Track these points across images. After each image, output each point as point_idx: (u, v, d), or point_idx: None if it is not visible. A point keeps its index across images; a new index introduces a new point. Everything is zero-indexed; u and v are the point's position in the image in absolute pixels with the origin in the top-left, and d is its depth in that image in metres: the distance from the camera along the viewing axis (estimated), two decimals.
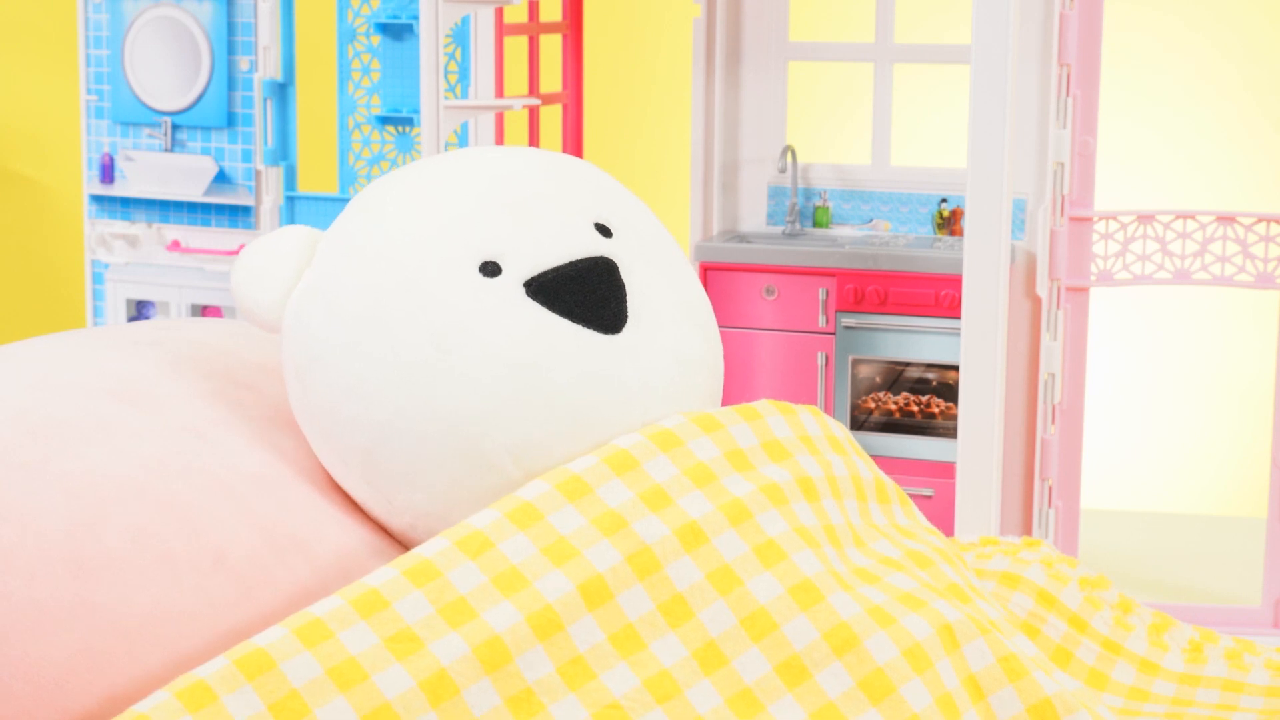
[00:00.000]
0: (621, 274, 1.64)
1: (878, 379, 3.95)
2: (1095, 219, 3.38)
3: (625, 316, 1.62)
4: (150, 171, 3.83)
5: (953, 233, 4.13)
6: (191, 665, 1.44)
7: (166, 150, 3.81)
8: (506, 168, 1.69)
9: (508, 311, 1.58)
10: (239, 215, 3.79)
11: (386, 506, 1.61)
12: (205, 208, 3.81)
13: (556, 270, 1.61)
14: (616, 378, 1.59)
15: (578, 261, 1.62)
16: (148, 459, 1.53)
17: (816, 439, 1.70)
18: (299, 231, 1.68)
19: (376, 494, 1.61)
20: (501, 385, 1.55)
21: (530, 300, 1.59)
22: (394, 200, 1.66)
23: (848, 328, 3.91)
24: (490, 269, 1.60)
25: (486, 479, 1.56)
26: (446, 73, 3.65)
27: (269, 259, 1.66)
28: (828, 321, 3.92)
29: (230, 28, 3.72)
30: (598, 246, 1.64)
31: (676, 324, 1.66)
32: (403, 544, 1.64)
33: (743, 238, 4.20)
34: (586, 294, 1.61)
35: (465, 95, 3.66)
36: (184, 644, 1.44)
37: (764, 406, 1.68)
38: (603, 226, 1.67)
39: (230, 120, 3.75)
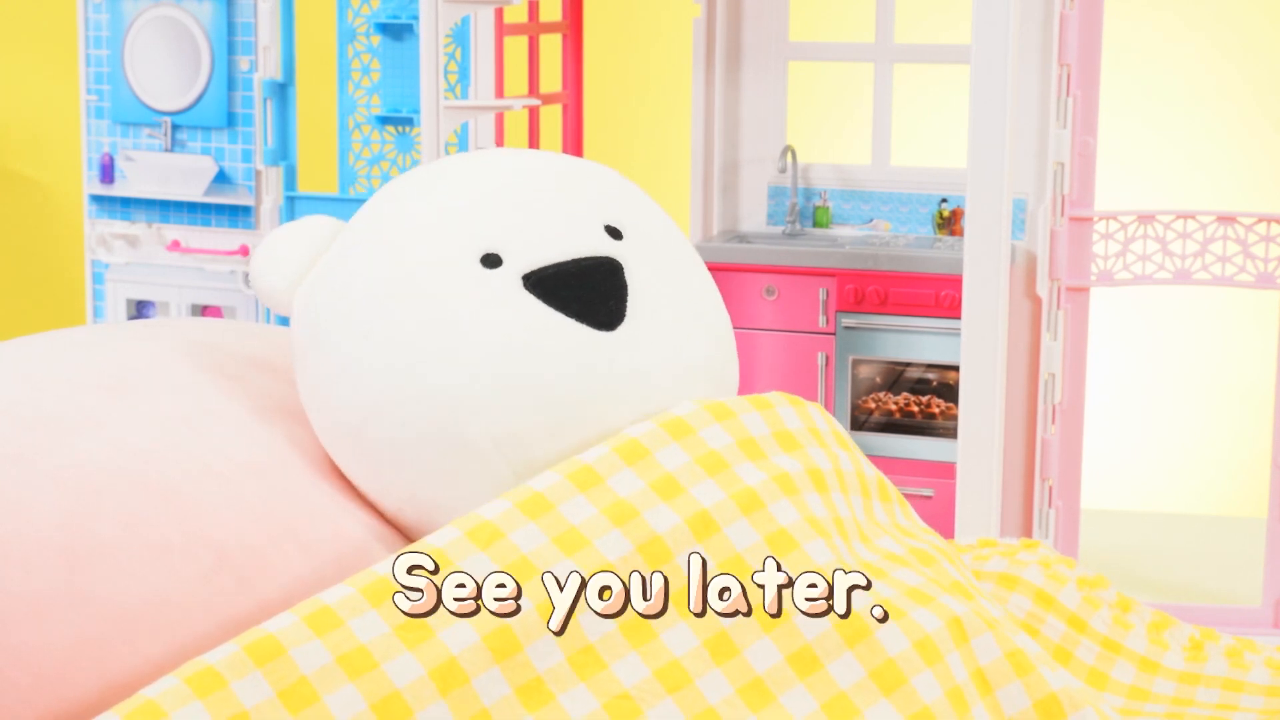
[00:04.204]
0: (626, 275, 1.64)
1: (878, 379, 3.95)
2: (1095, 219, 3.38)
3: (623, 315, 1.62)
4: (150, 171, 3.83)
5: (953, 233, 4.13)
6: (189, 653, 1.44)
7: (166, 150, 3.81)
8: (520, 167, 1.71)
9: (503, 302, 1.59)
10: (239, 215, 3.79)
11: (376, 486, 1.62)
12: (205, 208, 3.81)
13: (557, 266, 1.62)
14: (607, 374, 1.59)
15: (580, 259, 1.63)
16: (139, 449, 1.54)
17: (824, 433, 1.71)
18: (321, 221, 1.72)
19: (367, 474, 1.62)
20: (490, 374, 1.56)
21: (527, 293, 1.60)
22: (407, 193, 1.69)
23: (848, 328, 3.91)
24: (491, 261, 1.61)
25: (470, 465, 1.57)
26: (446, 73, 3.65)
27: (287, 246, 1.70)
28: (828, 321, 3.92)
29: (230, 28, 3.72)
30: (605, 247, 1.65)
31: (678, 327, 1.66)
32: (397, 528, 1.65)
33: (743, 238, 4.20)
34: (585, 290, 1.61)
35: (465, 95, 3.66)
36: (181, 631, 1.45)
37: (775, 397, 1.68)
38: (613, 229, 1.68)
39: (230, 120, 3.75)
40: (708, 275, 1.77)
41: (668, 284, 1.68)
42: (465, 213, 1.64)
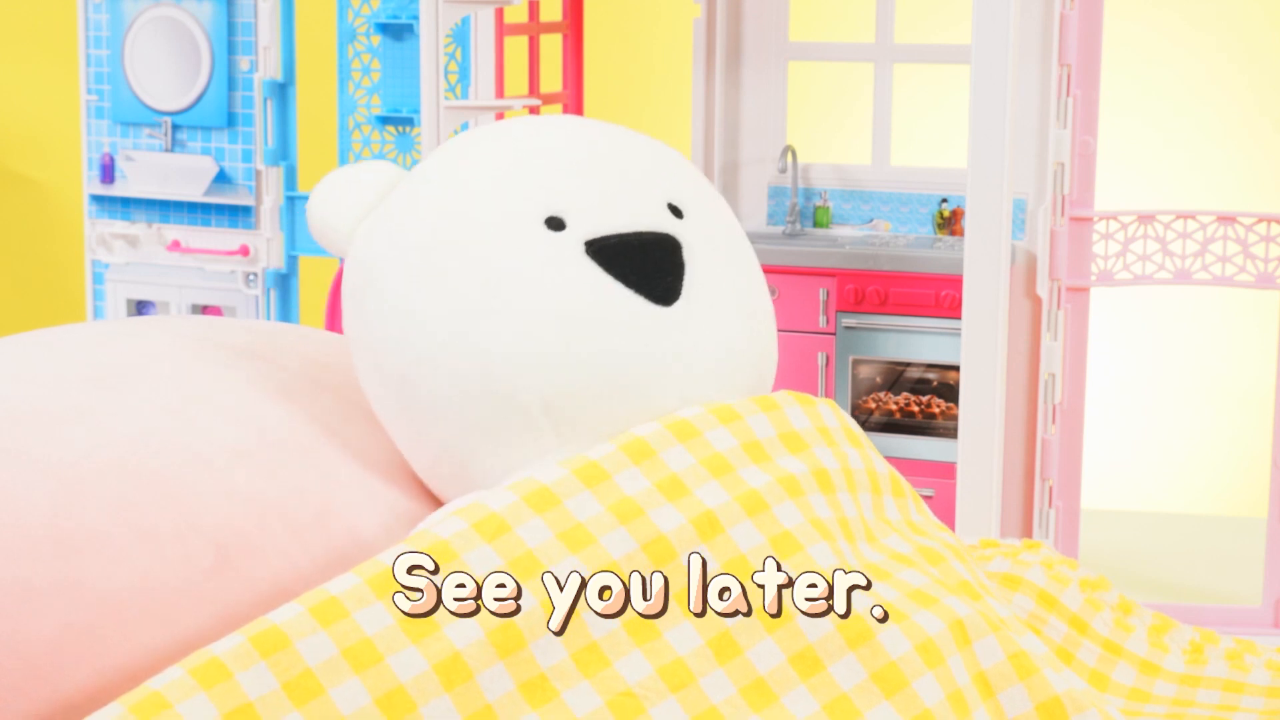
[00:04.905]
0: (684, 255, 1.65)
1: (878, 379, 3.95)
2: (1095, 219, 3.38)
3: (679, 293, 1.63)
4: (150, 171, 3.83)
5: (953, 233, 4.13)
6: (181, 639, 1.44)
7: (166, 150, 3.81)
8: (589, 134, 1.71)
9: (563, 265, 1.59)
10: (239, 215, 3.79)
11: (415, 437, 1.62)
12: (205, 208, 3.81)
13: (620, 236, 1.62)
14: (659, 349, 1.60)
15: (643, 233, 1.63)
16: (128, 438, 1.54)
17: (834, 431, 1.70)
18: (383, 166, 1.72)
19: (409, 423, 1.62)
20: (544, 335, 1.57)
21: (588, 259, 1.60)
22: (475, 148, 1.69)
23: (848, 328, 3.91)
24: (555, 224, 1.62)
25: (513, 423, 1.57)
26: (446, 73, 3.65)
27: (348, 186, 1.70)
28: (828, 321, 3.92)
29: (230, 28, 3.72)
30: (667, 224, 1.65)
31: (728, 313, 1.66)
32: (397, 505, 1.65)
33: None
34: (644, 263, 1.62)
35: (465, 95, 3.66)
36: (172, 617, 1.45)
37: (783, 397, 1.68)
38: (675, 207, 1.68)
39: (230, 120, 3.75)
40: (758, 266, 1.77)
41: (722, 268, 1.68)
42: (533, 174, 1.65)
